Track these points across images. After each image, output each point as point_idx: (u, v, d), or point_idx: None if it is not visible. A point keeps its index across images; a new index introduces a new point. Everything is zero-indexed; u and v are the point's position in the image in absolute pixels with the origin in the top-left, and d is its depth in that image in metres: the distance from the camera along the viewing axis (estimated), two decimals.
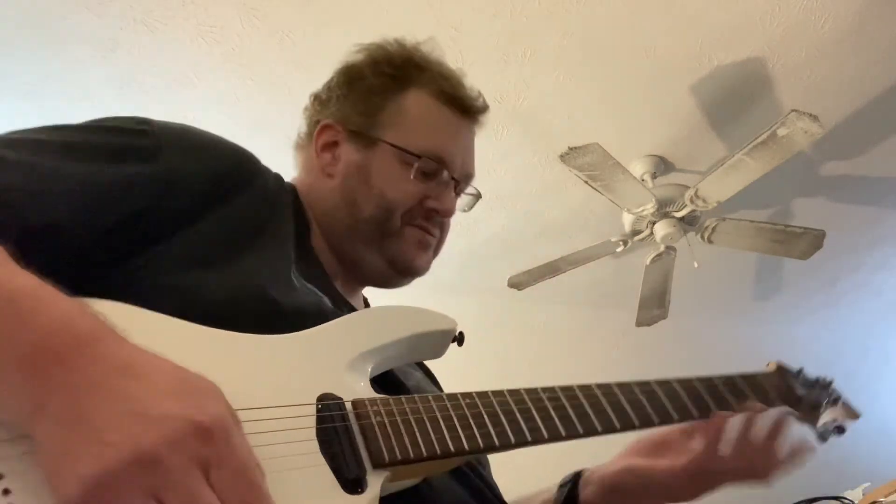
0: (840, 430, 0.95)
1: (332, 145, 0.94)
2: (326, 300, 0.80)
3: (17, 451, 0.47)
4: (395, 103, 0.93)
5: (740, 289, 3.82)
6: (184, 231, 0.70)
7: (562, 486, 0.91)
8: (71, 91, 2.45)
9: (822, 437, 0.93)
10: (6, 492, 0.45)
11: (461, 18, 2.32)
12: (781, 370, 0.95)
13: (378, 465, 0.58)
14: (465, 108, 0.96)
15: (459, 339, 0.79)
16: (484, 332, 3.71)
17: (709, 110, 2.74)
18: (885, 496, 2.69)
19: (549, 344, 3.94)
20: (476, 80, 1.00)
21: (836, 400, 0.96)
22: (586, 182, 2.59)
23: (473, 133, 0.99)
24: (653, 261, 3.04)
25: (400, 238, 0.90)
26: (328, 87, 0.99)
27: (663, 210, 2.82)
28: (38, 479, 0.45)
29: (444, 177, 0.92)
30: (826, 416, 0.94)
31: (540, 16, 2.34)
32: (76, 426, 0.44)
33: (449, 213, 0.93)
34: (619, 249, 3.00)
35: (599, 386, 0.76)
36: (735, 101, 2.72)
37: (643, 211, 2.80)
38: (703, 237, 2.97)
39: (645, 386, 0.80)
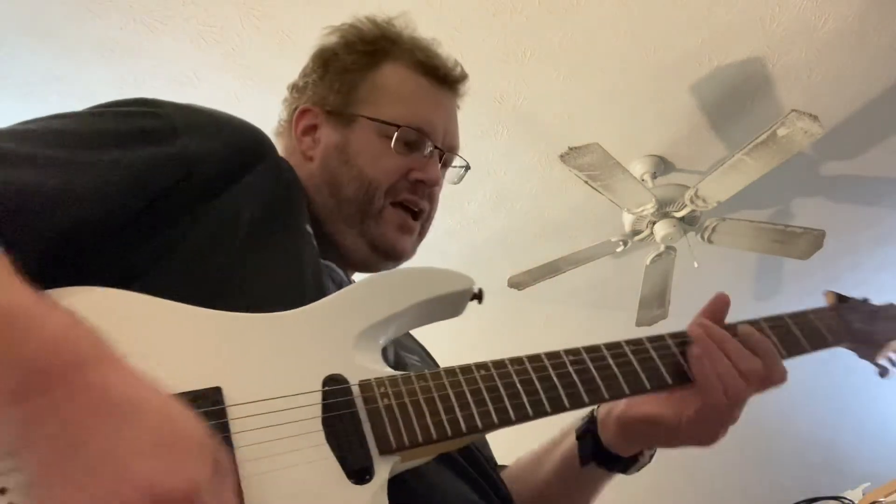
0: None
1: (311, 129, 0.93)
2: (342, 275, 0.81)
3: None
4: (371, 78, 0.92)
5: (740, 289, 3.82)
6: (206, 211, 0.69)
7: (580, 437, 0.84)
8: (71, 91, 2.45)
9: (882, 373, 0.85)
10: None
11: (461, 18, 2.32)
12: (838, 303, 0.88)
13: (385, 451, 0.58)
14: (442, 77, 0.93)
15: (479, 296, 0.74)
16: (484, 332, 3.71)
17: (709, 110, 2.74)
18: (885, 496, 2.69)
19: (549, 344, 3.92)
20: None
21: None
22: (586, 182, 2.59)
23: (455, 103, 0.96)
24: (653, 261, 3.04)
25: (380, 220, 0.87)
26: (303, 73, 0.98)
27: (663, 210, 2.82)
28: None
29: (426, 147, 0.89)
30: (889, 350, 0.85)
31: (540, 16, 2.34)
32: (52, 473, 0.43)
33: (434, 181, 0.89)
34: (619, 249, 3.00)
35: (628, 342, 0.73)
36: (735, 101, 2.72)
37: (643, 211, 2.80)
38: (703, 237, 2.97)
39: (682, 337, 0.76)
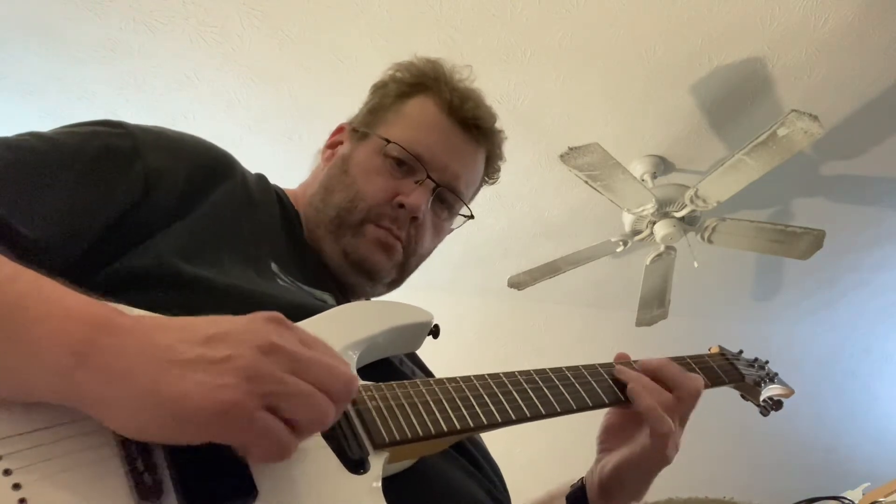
0: (778, 404, 1.02)
1: (338, 143, 0.98)
2: (308, 294, 0.80)
3: (30, 443, 0.47)
4: (399, 105, 0.95)
5: (740, 289, 3.82)
6: (168, 229, 0.71)
7: (571, 499, 0.87)
8: (71, 91, 2.45)
9: (764, 411, 1.01)
10: (16, 486, 0.45)
11: (461, 18, 2.32)
12: (723, 352, 1.02)
13: (378, 446, 0.61)
14: (463, 121, 0.94)
15: (435, 331, 0.82)
16: (484, 332, 3.71)
17: (709, 110, 2.74)
18: (885, 496, 2.69)
19: (548, 344, 3.94)
20: (476, 80, 1.00)
21: (772, 378, 1.03)
22: (586, 182, 2.59)
23: (473, 151, 0.96)
24: (653, 261, 3.04)
25: (358, 234, 0.89)
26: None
27: (663, 210, 2.82)
28: (49, 472, 0.46)
29: (419, 174, 0.90)
30: (765, 393, 1.01)
31: (540, 16, 2.34)
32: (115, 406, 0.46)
33: (414, 206, 0.88)
34: (619, 249, 3.00)
35: (569, 368, 0.82)
36: (735, 101, 2.72)
37: (643, 211, 2.80)
38: (703, 237, 2.97)
39: (610, 367, 0.85)
